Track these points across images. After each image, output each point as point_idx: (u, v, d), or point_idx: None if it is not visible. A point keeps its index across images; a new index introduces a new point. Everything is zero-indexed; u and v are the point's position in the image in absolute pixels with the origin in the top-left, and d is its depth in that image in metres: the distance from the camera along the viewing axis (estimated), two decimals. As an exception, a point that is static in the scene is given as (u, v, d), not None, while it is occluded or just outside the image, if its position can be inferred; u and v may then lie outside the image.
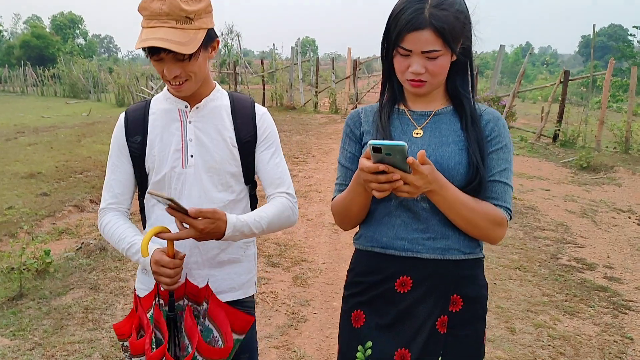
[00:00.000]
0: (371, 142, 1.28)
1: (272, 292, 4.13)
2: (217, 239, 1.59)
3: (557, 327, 3.72)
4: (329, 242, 5.22)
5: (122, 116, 1.79)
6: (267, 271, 4.53)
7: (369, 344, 1.56)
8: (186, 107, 1.73)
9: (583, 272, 4.79)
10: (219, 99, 1.79)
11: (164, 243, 1.59)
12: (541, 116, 12.53)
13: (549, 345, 3.45)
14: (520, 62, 55.86)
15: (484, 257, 1.59)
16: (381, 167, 1.31)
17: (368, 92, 19.43)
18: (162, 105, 1.77)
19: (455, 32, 1.45)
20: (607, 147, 11.52)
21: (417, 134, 1.56)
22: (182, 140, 1.72)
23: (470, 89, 1.59)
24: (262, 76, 21.02)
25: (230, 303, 1.71)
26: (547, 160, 10.46)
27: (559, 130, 11.77)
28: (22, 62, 39.36)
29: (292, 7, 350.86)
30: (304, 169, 8.61)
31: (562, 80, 11.81)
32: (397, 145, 1.25)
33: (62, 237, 5.80)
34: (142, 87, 24.49)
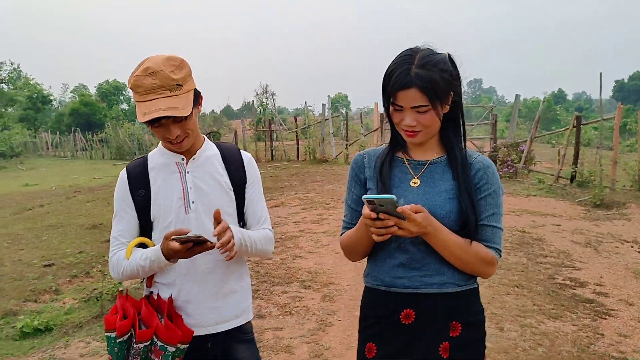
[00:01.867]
0: (364, 197, 1.52)
1: (304, 306, 5.01)
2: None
3: (540, 327, 4.46)
4: (353, 270, 6.09)
5: (123, 173, 2.01)
6: (300, 292, 5.42)
7: None
8: (182, 159, 1.97)
9: (575, 289, 5.50)
10: (210, 149, 2.04)
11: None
12: (558, 159, 13.24)
13: (531, 339, 4.21)
14: (552, 109, 56.24)
15: (478, 287, 1.78)
16: (373, 215, 1.52)
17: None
18: (160, 159, 2.00)
19: (440, 88, 1.61)
20: (624, 185, 12.11)
21: (415, 183, 1.75)
22: (183, 190, 1.94)
23: (462, 138, 1.78)
24: (296, 132, 22.32)
25: (234, 329, 1.99)
26: (563, 200, 11.11)
27: (575, 171, 12.44)
28: (72, 129, 42.01)
29: (325, 67, 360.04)
30: (334, 213, 9.53)
31: (574, 125, 12.57)
32: (387, 197, 1.47)
33: (127, 273, 6.82)
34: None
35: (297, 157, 22.06)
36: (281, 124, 27.87)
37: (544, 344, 4.14)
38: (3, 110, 47.29)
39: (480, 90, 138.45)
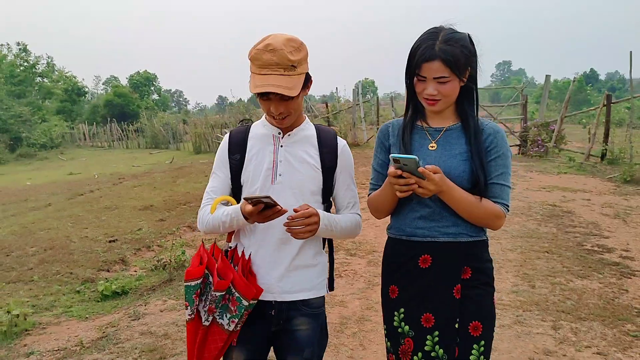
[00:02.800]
0: (391, 155, 1.71)
1: (352, 270, 5.55)
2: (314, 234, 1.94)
3: (569, 284, 4.91)
4: (373, 224, 6.59)
5: (226, 137, 2.14)
6: (347, 259, 5.95)
7: (402, 310, 1.99)
8: (279, 133, 2.07)
9: (602, 254, 5.90)
10: (308, 129, 2.12)
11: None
12: (588, 137, 13.46)
13: (560, 294, 4.67)
14: (583, 89, 55.37)
15: (487, 239, 1.99)
16: (399, 172, 1.73)
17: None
18: (260, 130, 2.11)
19: (460, 62, 1.82)
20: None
21: (432, 147, 1.95)
22: (274, 161, 2.03)
23: (475, 108, 1.98)
24: (327, 117, 22.81)
25: (300, 301, 2.05)
26: (593, 177, 11.39)
27: (605, 149, 12.66)
28: (108, 119, 43.20)
29: (349, 54, 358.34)
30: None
31: (605, 103, 12.77)
32: (410, 157, 1.67)
33: (184, 247, 7.43)
34: (217, 135, 26.79)
35: (329, 142, 22.49)
36: (309, 111, 28.40)
37: (572, 297, 4.59)
38: (42, 103, 48.80)
39: (509, 72, 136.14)
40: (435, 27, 1.88)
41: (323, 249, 2.17)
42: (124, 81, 71.17)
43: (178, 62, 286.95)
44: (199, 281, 1.92)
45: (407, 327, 1.96)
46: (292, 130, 2.07)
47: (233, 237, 2.12)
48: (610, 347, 3.66)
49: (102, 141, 42.62)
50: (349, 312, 4.48)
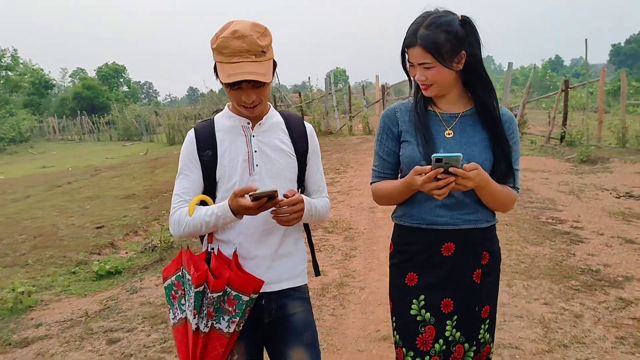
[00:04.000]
0: (434, 155, 1.64)
1: (330, 244, 6.05)
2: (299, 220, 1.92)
3: (524, 250, 5.50)
4: (368, 218, 7.11)
5: (191, 133, 2.03)
6: (325, 235, 6.45)
7: (422, 297, 1.94)
8: (248, 123, 2.00)
9: (555, 225, 6.52)
10: (275, 116, 2.08)
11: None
12: (548, 121, 14.21)
13: (515, 259, 5.24)
14: (550, 75, 56.76)
15: (496, 223, 2.03)
16: (433, 174, 1.67)
17: (397, 113, 21.31)
18: (226, 122, 2.02)
19: (443, 48, 1.75)
20: (609, 143, 13.08)
21: (449, 134, 1.90)
22: (249, 152, 1.97)
23: (493, 93, 1.91)
24: (301, 107, 23.24)
25: (288, 289, 2.02)
26: (553, 158, 12.10)
27: (564, 132, 13.41)
28: (78, 112, 42.84)
29: (320, 44, 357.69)
30: (345, 177, 10.55)
31: (563, 88, 13.50)
32: (455, 156, 1.63)
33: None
34: (192, 126, 26.96)
35: (302, 130, 22.97)
36: (282, 100, 28.76)
37: (525, 261, 5.17)
38: (9, 96, 48.02)
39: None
40: (427, 12, 1.84)
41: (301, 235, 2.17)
42: (91, 73, 70.24)
43: (147, 54, 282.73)
44: (203, 286, 1.84)
45: (427, 314, 1.93)
46: (261, 119, 2.03)
47: (213, 237, 2.03)
48: (555, 299, 4.24)
49: (73, 134, 42.32)
50: (329, 280, 4.97)
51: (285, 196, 1.85)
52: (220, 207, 1.86)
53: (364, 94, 22.32)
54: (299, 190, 2.11)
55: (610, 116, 15.66)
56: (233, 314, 1.86)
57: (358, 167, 11.83)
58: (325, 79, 21.65)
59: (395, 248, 2.05)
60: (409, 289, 1.96)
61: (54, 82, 60.92)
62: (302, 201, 1.89)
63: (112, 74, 66.39)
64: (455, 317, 1.93)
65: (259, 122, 2.01)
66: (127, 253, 6.86)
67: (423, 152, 1.86)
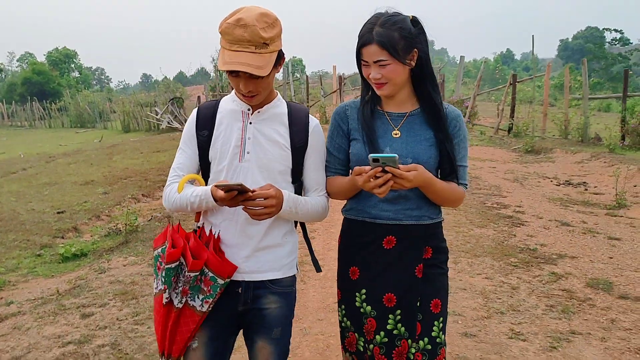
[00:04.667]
0: (370, 155, 1.69)
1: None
2: (276, 213, 1.87)
3: (470, 232, 5.96)
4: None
5: (194, 112, 2.07)
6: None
7: (364, 291, 2.00)
8: (249, 109, 1.99)
9: (499, 210, 7.03)
10: (279, 107, 2.04)
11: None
12: (497, 113, 14.89)
13: (462, 239, 5.69)
14: (500, 69, 58.37)
15: (442, 221, 2.06)
16: (373, 173, 1.72)
17: (353, 103, 21.74)
18: (229, 106, 2.03)
19: (399, 45, 1.80)
20: (553, 135, 13.84)
21: (396, 134, 1.94)
22: (242, 138, 1.96)
23: (438, 91, 1.98)
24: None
25: (266, 281, 1.98)
26: (500, 148, 12.76)
27: (512, 123, 14.09)
28: (29, 98, 41.61)
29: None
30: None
31: (511, 82, 14.17)
32: (390, 156, 1.67)
33: (135, 215, 8.00)
34: (148, 113, 26.73)
35: (260, 119, 23.19)
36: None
37: (471, 241, 5.63)
38: (-48, 80, 46.20)
39: (432, 52, 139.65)
40: (379, 13, 1.89)
41: (295, 228, 2.14)
42: (40, 58, 68.04)
43: (98, 39, 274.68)
44: (176, 264, 1.86)
45: (369, 308, 1.98)
46: (262, 107, 2.00)
47: (201, 216, 2.05)
48: (496, 274, 4.68)
49: (22, 120, 41.10)
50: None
51: (255, 190, 1.84)
52: (204, 190, 1.89)
53: (321, 84, 22.66)
54: (295, 185, 2.05)
55: (556, 109, 16.50)
56: (208, 294, 1.89)
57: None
58: (283, 68, 21.87)
59: (342, 241, 2.14)
60: (352, 283, 2.04)
61: (3, 67, 58.81)
62: (275, 197, 1.85)
63: (63, 59, 64.56)
64: (399, 311, 1.95)
65: (258, 110, 1.99)
66: (91, 236, 6.98)
67: (369, 151, 1.89)
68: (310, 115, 2.08)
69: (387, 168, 1.70)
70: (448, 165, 1.94)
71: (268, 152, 1.97)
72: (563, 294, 4.23)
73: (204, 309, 1.89)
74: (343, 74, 22.23)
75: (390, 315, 1.94)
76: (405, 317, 1.94)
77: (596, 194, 8.21)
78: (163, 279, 1.86)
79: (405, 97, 1.97)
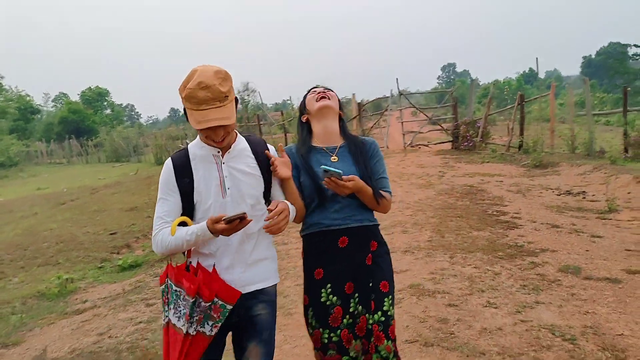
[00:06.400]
0: (322, 167, 2.28)
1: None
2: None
3: (469, 234, 6.86)
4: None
5: (169, 162, 2.28)
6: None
7: (329, 285, 2.47)
8: (218, 152, 2.27)
9: (498, 217, 7.90)
10: (241, 143, 2.36)
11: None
12: (507, 131, 15.73)
13: (460, 240, 6.60)
14: (523, 88, 58.96)
15: (379, 224, 2.65)
16: (327, 182, 2.33)
17: (372, 127, 22.75)
18: (199, 152, 2.29)
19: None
20: (563, 150, 14.60)
21: (334, 159, 2.57)
22: (220, 178, 2.25)
23: (348, 131, 2.72)
24: (283, 124, 24.66)
25: (256, 291, 2.29)
26: (510, 164, 13.57)
27: (522, 141, 14.93)
28: (67, 136, 43.81)
29: (300, 61, 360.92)
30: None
31: (519, 102, 15.06)
32: (337, 172, 2.28)
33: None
34: (179, 145, 28.19)
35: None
36: (264, 119, 30.11)
37: (468, 241, 6.54)
38: (-5, 122, 48.81)
39: (454, 74, 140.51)
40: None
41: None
42: (73, 97, 70.94)
43: (128, 77, 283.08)
44: (195, 297, 2.09)
45: (334, 298, 2.46)
46: (229, 148, 2.29)
47: (192, 253, 2.26)
48: (484, 264, 5.59)
49: (60, 157, 43.14)
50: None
51: (270, 210, 2.16)
52: (199, 227, 2.09)
53: (342, 111, 23.74)
54: (267, 204, 2.37)
55: (565, 126, 17.26)
56: (217, 319, 2.14)
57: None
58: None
59: (305, 253, 2.58)
60: (318, 282, 2.48)
61: (40, 107, 61.70)
62: (286, 209, 2.21)
63: (96, 98, 67.33)
64: (357, 294, 2.46)
65: (228, 151, 2.28)
66: (142, 251, 8.09)
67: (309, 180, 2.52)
68: (267, 143, 2.49)
69: (333, 178, 2.30)
70: (374, 178, 2.58)
71: (245, 183, 2.28)
72: (536, 277, 5.11)
73: (212, 333, 2.15)
74: (363, 100, 23.28)
75: (352, 300, 2.46)
76: (362, 298, 2.46)
77: (592, 201, 8.97)
78: (186, 312, 2.09)
79: (337, 136, 2.66)
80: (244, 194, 2.26)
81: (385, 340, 2.37)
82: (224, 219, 2.01)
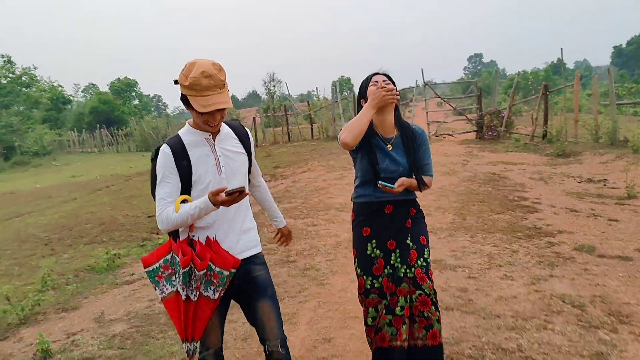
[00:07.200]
0: (380, 183, 2.78)
1: (342, 219, 7.77)
2: None
3: (489, 217, 7.21)
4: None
5: (166, 148, 2.46)
6: (337, 213, 8.17)
7: (374, 241, 2.95)
8: (209, 136, 2.52)
9: (519, 202, 8.20)
10: (225, 128, 2.62)
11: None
12: (531, 121, 15.90)
13: (481, 222, 6.95)
14: (551, 79, 58.37)
15: (416, 197, 3.09)
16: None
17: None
18: (192, 137, 2.51)
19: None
20: (586, 139, 14.74)
21: (390, 147, 2.93)
22: (216, 158, 2.51)
23: (402, 119, 3.04)
24: (310, 115, 25.07)
25: (250, 257, 2.61)
26: (534, 153, 13.78)
27: (546, 130, 15.10)
28: (98, 126, 44.98)
29: (325, 52, 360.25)
30: (352, 172, 12.21)
31: (543, 92, 15.21)
32: (391, 186, 2.77)
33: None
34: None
35: (312, 136, 24.84)
36: (291, 109, 30.52)
37: (488, 223, 6.89)
38: (29, 112, 50.21)
39: (481, 65, 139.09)
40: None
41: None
42: (103, 87, 72.40)
43: (155, 68, 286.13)
44: (188, 267, 2.34)
45: (378, 252, 2.94)
46: (219, 132, 2.55)
47: (195, 227, 2.50)
48: (502, 243, 5.94)
49: (92, 147, 44.26)
50: (342, 239, 6.72)
51: (289, 235, 3.05)
52: (202, 201, 2.33)
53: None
54: (249, 175, 2.75)
55: (591, 116, 17.32)
56: (217, 284, 2.41)
57: (363, 165, 13.58)
58: (332, 88, 23.47)
59: (355, 215, 3.08)
60: (365, 238, 2.98)
61: (72, 98, 63.15)
62: (290, 232, 3.07)
63: (125, 88, 68.59)
64: (398, 251, 2.93)
65: (217, 135, 2.54)
66: (180, 232, 8.59)
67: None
68: (244, 127, 2.78)
69: (387, 188, 2.77)
70: (421, 165, 3.00)
71: (235, 161, 2.58)
72: (552, 255, 5.45)
73: (216, 296, 2.42)
74: (388, 91, 23.47)
75: (393, 254, 2.94)
76: (401, 254, 2.93)
77: (612, 188, 9.21)
78: (180, 281, 2.35)
79: (393, 126, 2.99)
80: (236, 170, 2.55)
81: (428, 281, 2.87)
82: (225, 192, 2.26)
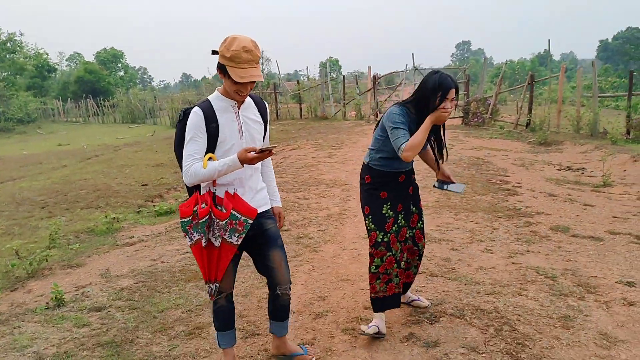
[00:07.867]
0: (446, 188, 3.69)
1: (332, 194, 8.11)
2: None
3: (472, 198, 7.60)
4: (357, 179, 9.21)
5: (199, 110, 2.70)
6: (327, 189, 8.51)
7: (389, 203, 3.50)
8: (235, 104, 2.80)
9: (501, 185, 8.62)
10: (247, 98, 2.89)
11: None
12: (516, 110, 16.35)
13: (465, 203, 7.34)
14: (537, 69, 58.93)
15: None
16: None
17: (385, 101, 23.34)
18: (221, 103, 2.78)
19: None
20: (568, 129, 15.23)
21: None
22: (239, 124, 2.80)
23: None
24: (299, 94, 25.25)
25: (263, 212, 2.96)
26: (517, 141, 14.22)
27: (529, 119, 15.55)
28: (83, 96, 44.57)
29: (313, 33, 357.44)
30: (341, 151, 12.63)
31: (529, 82, 15.63)
32: (457, 191, 5.02)
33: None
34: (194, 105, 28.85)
35: (300, 115, 25.08)
36: (279, 88, 30.64)
37: (472, 203, 7.29)
38: (14, 78, 49.51)
39: (469, 52, 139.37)
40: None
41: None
42: (88, 57, 71.41)
43: (142, 40, 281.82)
44: (206, 218, 2.64)
45: (391, 212, 3.50)
46: (243, 102, 2.82)
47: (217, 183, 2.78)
48: (484, 221, 6.34)
49: (77, 116, 43.94)
50: (333, 212, 7.07)
51: (280, 216, 3.16)
52: (231, 159, 2.61)
53: (356, 84, 24.35)
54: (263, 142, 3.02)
55: (573, 107, 17.82)
56: (241, 231, 2.71)
57: (352, 144, 13.91)
58: (320, 69, 23.69)
59: (372, 179, 3.54)
60: (382, 200, 3.50)
61: (57, 66, 62.25)
62: (282, 214, 3.21)
63: (111, 59, 67.81)
64: (403, 213, 3.57)
65: (243, 103, 2.83)
66: (176, 201, 8.89)
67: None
68: (263, 100, 3.08)
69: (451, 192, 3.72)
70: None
71: (254, 129, 2.87)
72: (529, 233, 5.86)
73: (238, 242, 2.73)
74: (377, 73, 23.83)
75: (400, 215, 3.56)
76: (405, 216, 3.60)
77: (590, 176, 9.68)
78: (198, 230, 2.66)
79: None
80: (254, 137, 2.85)
81: (423, 239, 3.81)
82: (259, 149, 2.59)
